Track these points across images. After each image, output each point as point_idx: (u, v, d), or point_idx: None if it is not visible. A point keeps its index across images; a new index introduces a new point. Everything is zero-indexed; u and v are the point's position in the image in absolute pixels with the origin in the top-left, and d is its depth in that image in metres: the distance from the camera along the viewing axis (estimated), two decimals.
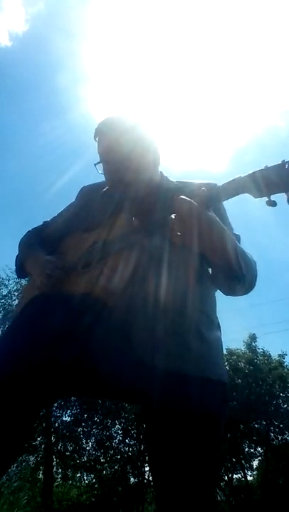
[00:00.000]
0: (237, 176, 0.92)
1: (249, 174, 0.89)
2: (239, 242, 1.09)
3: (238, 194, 0.93)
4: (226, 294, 1.14)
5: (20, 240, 1.35)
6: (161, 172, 1.24)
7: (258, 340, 14.74)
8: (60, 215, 1.37)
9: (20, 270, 1.31)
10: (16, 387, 0.85)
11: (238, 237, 1.12)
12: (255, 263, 1.09)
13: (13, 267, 1.37)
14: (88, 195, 1.31)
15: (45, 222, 1.38)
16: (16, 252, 1.33)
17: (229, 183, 0.93)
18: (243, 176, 0.91)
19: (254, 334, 14.75)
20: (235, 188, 0.92)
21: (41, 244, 1.28)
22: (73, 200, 1.36)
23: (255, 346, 14.57)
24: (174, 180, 1.23)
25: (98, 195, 1.25)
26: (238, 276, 1.02)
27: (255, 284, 1.10)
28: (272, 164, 0.87)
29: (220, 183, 0.98)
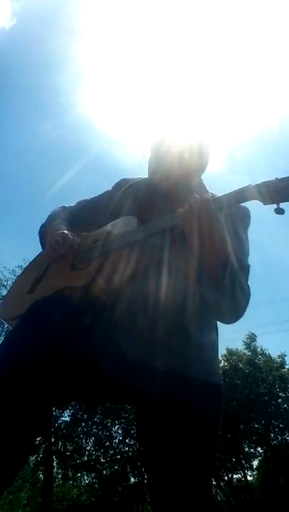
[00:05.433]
0: (248, 184, 0.96)
1: (260, 183, 0.94)
2: (248, 272, 1.08)
3: (247, 200, 0.97)
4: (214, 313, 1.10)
5: (52, 211, 1.38)
6: (201, 179, 1.25)
7: (257, 340, 14.75)
8: (88, 201, 1.39)
9: (42, 239, 1.34)
10: (17, 389, 0.85)
11: (246, 267, 1.09)
12: (249, 294, 1.05)
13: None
14: (119, 190, 1.31)
15: (78, 203, 1.41)
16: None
17: (240, 189, 0.97)
18: (253, 184, 0.95)
19: (253, 334, 14.76)
20: (245, 194, 0.96)
21: (67, 220, 1.30)
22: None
23: (255, 346, 14.60)
24: (210, 192, 1.24)
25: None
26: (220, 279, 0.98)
27: (242, 311, 1.04)
28: (282, 176, 0.92)
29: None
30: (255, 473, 14.25)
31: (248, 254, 1.12)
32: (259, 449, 13.62)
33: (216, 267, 0.97)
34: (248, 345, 14.59)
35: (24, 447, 0.88)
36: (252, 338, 14.68)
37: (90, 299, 0.99)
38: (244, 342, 14.62)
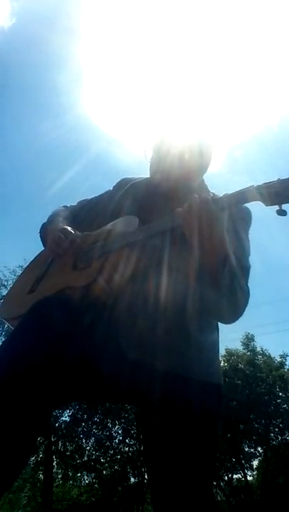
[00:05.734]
0: (250, 185, 0.94)
1: (261, 184, 0.92)
2: (247, 272, 1.07)
3: (248, 201, 0.95)
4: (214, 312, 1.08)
5: (53, 211, 1.39)
6: (203, 180, 1.25)
7: (255, 340, 14.77)
8: (89, 201, 1.40)
9: (43, 239, 1.35)
10: (17, 390, 0.85)
11: (246, 268, 1.08)
12: (249, 294, 1.04)
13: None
14: (120, 190, 1.31)
15: (79, 203, 1.42)
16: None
17: (241, 190, 0.96)
18: (255, 185, 0.93)
19: (251, 334, 14.79)
20: (246, 195, 0.95)
21: (68, 219, 1.31)
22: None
23: (254, 346, 14.61)
24: (211, 192, 1.23)
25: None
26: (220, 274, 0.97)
27: (242, 311, 1.03)
28: (283, 177, 0.91)
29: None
30: (255, 473, 14.26)
31: (248, 255, 1.11)
32: (259, 449, 13.64)
33: (216, 266, 0.96)
34: (246, 346, 14.61)
35: (25, 449, 0.88)
36: (249, 338, 14.70)
37: (91, 299, 0.99)
38: (242, 342, 14.66)
